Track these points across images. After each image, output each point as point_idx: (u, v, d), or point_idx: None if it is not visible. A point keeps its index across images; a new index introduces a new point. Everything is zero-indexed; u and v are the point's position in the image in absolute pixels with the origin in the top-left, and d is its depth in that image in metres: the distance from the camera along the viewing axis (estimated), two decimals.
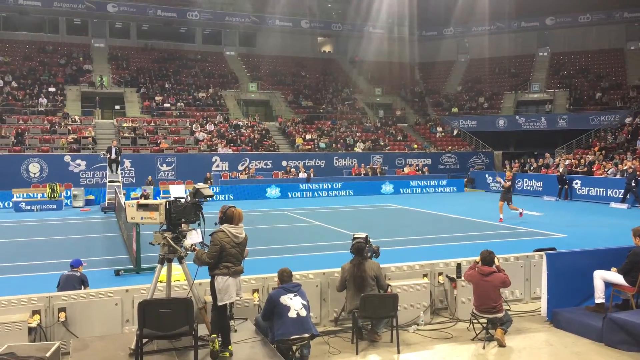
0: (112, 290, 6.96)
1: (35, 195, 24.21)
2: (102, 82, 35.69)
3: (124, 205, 6.90)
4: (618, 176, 25.19)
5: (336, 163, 33.39)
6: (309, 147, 34.03)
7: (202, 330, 6.13)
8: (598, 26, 43.17)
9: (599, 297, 7.60)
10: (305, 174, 30.42)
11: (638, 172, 23.58)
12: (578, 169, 27.88)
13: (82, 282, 8.38)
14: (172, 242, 6.01)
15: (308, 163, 32.13)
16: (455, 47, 48.64)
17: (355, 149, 34.95)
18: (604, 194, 24.70)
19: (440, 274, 8.25)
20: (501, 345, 6.96)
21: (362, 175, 31.79)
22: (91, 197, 25.20)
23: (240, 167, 30.78)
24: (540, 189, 28.05)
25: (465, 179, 32.94)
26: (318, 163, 32.76)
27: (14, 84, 34.43)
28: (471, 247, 12.60)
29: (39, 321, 6.37)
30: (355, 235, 7.58)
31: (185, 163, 29.81)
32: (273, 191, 28.06)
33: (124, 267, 11.74)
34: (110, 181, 23.50)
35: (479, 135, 38.53)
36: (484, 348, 6.95)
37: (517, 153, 38.83)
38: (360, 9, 45.25)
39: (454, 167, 36.03)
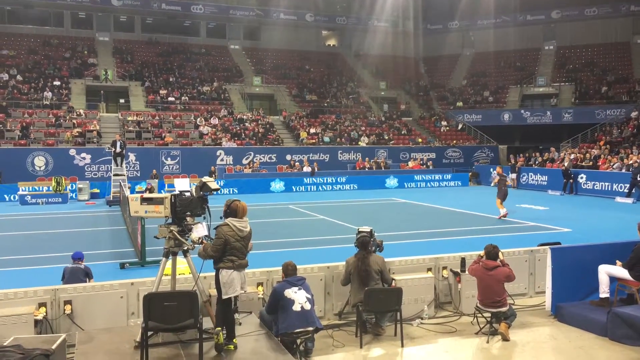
0: (117, 283, 6.99)
1: (40, 189, 24.30)
2: (106, 75, 35.72)
3: (128, 198, 6.92)
4: (623, 170, 25.08)
5: (340, 157, 33.36)
6: (313, 141, 34.01)
7: (207, 323, 6.16)
8: (604, 19, 42.87)
9: (604, 292, 7.60)
10: (310, 168, 30.41)
11: None
12: (583, 163, 27.77)
13: (87, 274, 8.42)
14: (178, 236, 6.03)
15: (312, 157, 32.12)
16: (460, 41, 48.40)
17: (359, 143, 34.90)
18: (609, 189, 24.60)
19: (444, 268, 8.26)
20: (505, 339, 6.97)
21: (367, 169, 31.75)
22: (96, 190, 25.26)
23: (244, 161, 30.79)
24: (545, 183, 27.97)
25: (470, 173, 32.88)
26: (322, 157, 32.74)
27: (19, 77, 34.50)
28: (475, 242, 12.59)
29: (44, 313, 6.41)
30: (359, 229, 7.59)
31: (190, 157, 29.84)
32: (277, 185, 28.08)
33: (129, 261, 11.78)
34: (115, 175, 23.57)
35: (484, 129, 38.41)
36: (488, 342, 6.96)
37: (522, 147, 38.69)
38: (365, 3, 45.14)
39: (458, 161, 35.94)
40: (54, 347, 5.43)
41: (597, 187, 25.27)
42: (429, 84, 46.85)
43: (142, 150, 29.36)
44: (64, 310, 6.54)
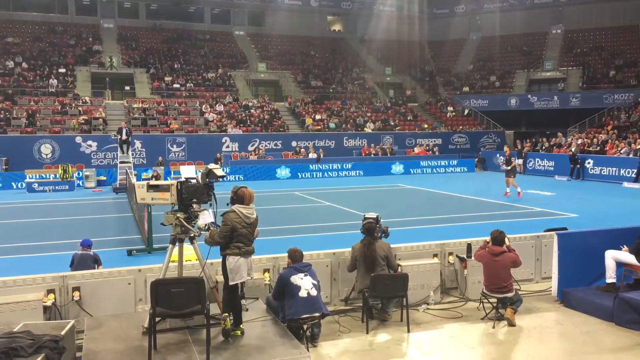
0: (125, 270, 7.04)
1: (47, 176, 24.42)
2: (111, 62, 35.67)
3: (134, 185, 6.95)
4: (631, 155, 24.93)
5: (346, 143, 33.30)
6: (319, 127, 33.93)
7: (214, 309, 6.20)
8: (612, 3, 42.25)
9: (610, 277, 7.58)
10: (315, 154, 30.39)
11: None
12: (590, 149, 27.62)
13: (96, 260, 8.52)
14: (184, 223, 6.05)
15: (318, 143, 32.08)
16: (466, 25, 47.91)
17: (365, 129, 34.80)
18: (617, 174, 24.48)
19: (450, 253, 8.27)
20: (511, 324, 6.98)
21: (372, 155, 31.69)
22: (103, 177, 25.38)
23: (250, 148, 30.79)
24: (552, 168, 27.85)
25: (476, 159, 32.76)
26: (328, 143, 32.69)
27: (24, 65, 34.50)
28: (481, 227, 12.57)
29: (53, 300, 6.47)
30: (366, 216, 7.59)
31: (196, 144, 29.86)
32: (283, 172, 28.10)
33: (136, 247, 11.86)
34: (121, 162, 23.65)
35: (490, 114, 38.17)
36: (494, 327, 6.98)
37: (528, 132, 38.45)
38: None
39: (464, 147, 35.80)
40: (63, 333, 5.49)
41: (604, 172, 25.14)
42: (435, 69, 46.53)
43: (147, 138, 29.40)
44: (73, 296, 6.60)
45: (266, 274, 7.37)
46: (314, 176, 28.58)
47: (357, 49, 46.88)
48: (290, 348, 5.72)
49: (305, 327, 6.32)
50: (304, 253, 6.87)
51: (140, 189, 6.19)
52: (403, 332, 6.87)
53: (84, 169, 25.45)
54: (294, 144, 31.83)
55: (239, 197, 6.07)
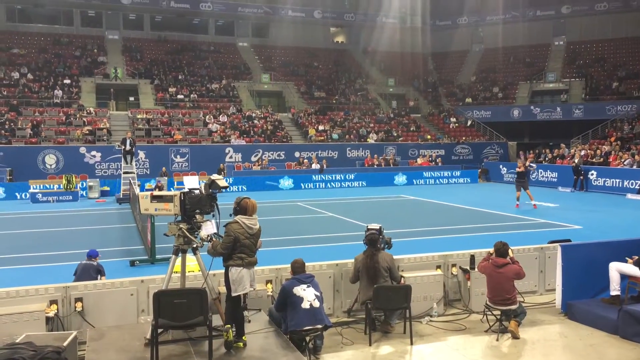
0: (127, 281, 7.03)
1: (51, 187, 24.48)
2: (116, 73, 35.90)
3: (138, 196, 6.97)
4: (635, 167, 24.88)
5: (349, 154, 33.33)
6: (322, 138, 33.99)
7: (217, 320, 6.18)
8: (615, 14, 42.43)
9: (615, 289, 7.54)
10: (318, 165, 30.41)
11: None
12: (594, 160, 27.57)
13: (99, 271, 8.53)
14: (187, 233, 6.05)
15: (321, 154, 32.11)
16: (469, 37, 48.13)
17: (368, 139, 34.84)
18: (620, 185, 24.41)
19: (453, 265, 8.24)
20: (515, 337, 6.94)
21: (375, 166, 31.70)
22: (106, 188, 25.42)
23: (253, 158, 30.84)
24: (556, 179, 27.79)
25: (479, 170, 32.73)
26: (331, 154, 32.73)
27: (29, 76, 34.75)
28: (485, 239, 12.55)
29: (56, 311, 6.46)
30: (369, 227, 7.58)
31: (199, 154, 29.94)
32: (286, 182, 28.11)
33: (139, 258, 11.85)
34: (125, 172, 23.69)
35: (493, 125, 38.20)
36: (497, 340, 6.94)
37: (531, 143, 38.44)
38: None
39: (467, 157, 35.79)
40: (65, 344, 5.48)
41: (607, 183, 25.08)
42: (438, 80, 46.65)
43: (151, 148, 29.49)
44: (75, 307, 6.59)
45: (269, 285, 7.35)
46: (317, 187, 28.58)
47: (360, 60, 47.08)
48: None
49: (307, 338, 6.30)
50: (307, 264, 6.86)
51: (144, 200, 6.20)
52: (406, 344, 6.83)
53: (87, 180, 25.51)
54: (297, 154, 31.88)
55: (241, 208, 6.08)
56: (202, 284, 6.21)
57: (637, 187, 23.36)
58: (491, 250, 7.46)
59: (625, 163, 25.78)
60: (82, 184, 24.97)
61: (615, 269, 7.59)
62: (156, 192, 6.45)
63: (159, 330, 5.65)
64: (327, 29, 48.74)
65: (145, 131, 31.02)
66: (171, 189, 22.78)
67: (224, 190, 6.13)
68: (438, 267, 8.15)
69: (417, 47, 46.99)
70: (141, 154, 28.41)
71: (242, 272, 5.95)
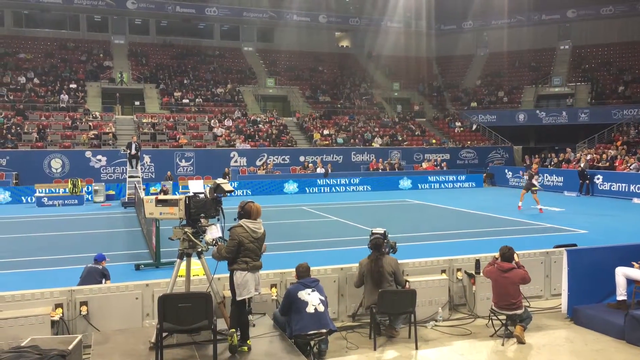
0: (132, 285, 7.04)
1: (57, 191, 24.58)
2: (122, 78, 36.05)
3: (143, 200, 6.99)
4: None
5: (354, 158, 33.32)
6: (327, 142, 34.00)
7: (221, 324, 6.18)
8: (621, 18, 42.34)
9: (621, 294, 7.50)
10: (323, 169, 30.42)
11: None
12: (600, 164, 27.45)
13: (104, 275, 8.54)
14: (192, 237, 6.06)
15: (326, 158, 32.12)
16: (474, 41, 48.11)
17: (373, 144, 34.83)
18: (627, 190, 24.29)
19: (458, 269, 8.21)
20: (521, 342, 6.91)
21: (380, 170, 31.68)
22: (112, 192, 25.50)
23: (258, 163, 30.88)
24: (561, 184, 27.69)
25: (485, 174, 32.65)
26: (336, 158, 32.73)
27: (36, 80, 34.95)
28: (490, 243, 12.49)
29: (61, 314, 6.48)
30: (373, 231, 7.57)
31: (204, 158, 30.00)
32: (291, 186, 28.12)
33: (144, 262, 11.87)
34: (130, 176, 23.76)
35: (499, 129, 38.13)
36: (503, 345, 6.91)
37: (537, 148, 38.35)
38: (378, 3, 45.09)
39: (472, 162, 35.72)
40: (70, 347, 5.49)
41: (614, 188, 24.97)
42: (443, 84, 46.64)
43: (156, 152, 29.58)
44: (80, 311, 6.61)
45: (273, 289, 7.35)
46: (322, 191, 28.57)
47: (365, 65, 47.13)
48: None
49: (312, 343, 6.29)
50: (312, 268, 6.85)
51: (149, 204, 6.22)
52: (411, 349, 6.81)
53: (93, 184, 25.59)
54: (302, 158, 31.90)
55: (246, 212, 6.09)
56: (206, 288, 6.21)
57: None
58: (496, 254, 7.44)
59: (631, 167, 25.66)
60: (88, 188, 25.05)
61: (622, 273, 7.55)
62: (161, 196, 6.47)
63: (164, 334, 5.65)
64: (332, 33, 48.84)
65: (151, 135, 31.12)
66: (176, 193, 22.84)
67: (229, 194, 6.14)
68: (443, 271, 8.13)
69: (422, 52, 47.01)
70: (146, 158, 28.49)
71: (246, 276, 5.95)
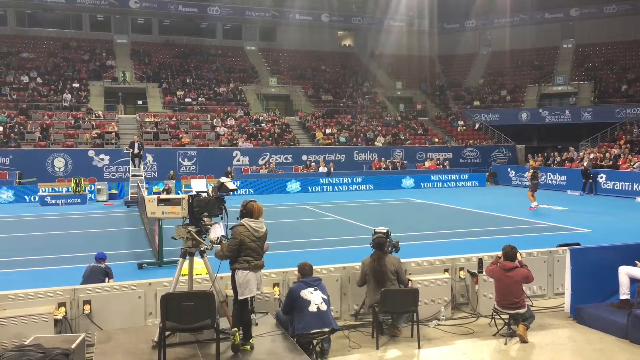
0: (135, 284, 7.06)
1: (60, 190, 24.62)
2: (124, 77, 36.10)
3: (145, 199, 6.99)
4: None
5: (356, 157, 33.31)
6: (329, 141, 34.00)
7: (224, 323, 6.19)
8: (624, 17, 42.20)
9: (624, 293, 7.48)
10: (326, 168, 30.42)
11: None
12: (603, 163, 27.39)
13: (107, 273, 8.56)
14: (196, 236, 6.06)
15: (328, 157, 32.11)
16: (477, 40, 48.04)
17: (375, 143, 34.82)
18: (630, 188, 24.24)
19: (461, 268, 8.21)
20: (523, 341, 6.90)
21: (383, 169, 31.67)
22: (114, 191, 25.54)
23: (260, 162, 30.89)
24: (564, 183, 27.64)
25: (487, 173, 32.61)
26: (338, 157, 32.73)
27: (39, 79, 35.01)
28: (493, 242, 12.48)
29: (64, 313, 6.50)
30: (376, 230, 7.57)
31: (207, 157, 30.02)
32: (293, 185, 28.13)
33: (146, 261, 11.89)
34: (133, 175, 23.79)
35: (501, 128, 38.06)
36: (505, 344, 6.90)
37: (540, 147, 38.27)
38: (380, 2, 45.08)
39: (475, 161, 35.68)
40: (73, 346, 5.50)
41: (617, 187, 24.91)
42: (445, 83, 46.58)
43: (159, 151, 29.61)
44: (83, 310, 6.62)
45: (276, 288, 7.35)
46: (324, 190, 28.57)
47: (368, 64, 47.09)
48: None
49: (314, 342, 6.29)
50: (314, 267, 6.85)
51: (151, 203, 6.22)
52: (413, 348, 6.81)
53: (96, 183, 25.63)
54: (304, 157, 31.90)
55: (248, 211, 6.09)
56: (209, 286, 6.22)
57: None
58: (499, 253, 7.43)
59: (634, 166, 25.60)
60: (91, 187, 25.10)
61: (625, 272, 7.53)
62: (164, 196, 6.48)
63: (167, 333, 5.66)
64: (335, 32, 48.80)
65: (153, 134, 31.16)
66: (179, 192, 22.85)
67: (232, 193, 6.14)
68: (446, 270, 8.13)
69: (425, 50, 46.98)
70: (149, 157, 28.52)
71: (248, 275, 5.96)
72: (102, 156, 28.38)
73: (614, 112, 35.74)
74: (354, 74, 45.00)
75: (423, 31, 47.23)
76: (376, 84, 44.16)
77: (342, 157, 32.89)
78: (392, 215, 19.90)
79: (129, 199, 22.89)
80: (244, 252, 5.96)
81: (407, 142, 35.82)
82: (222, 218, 6.16)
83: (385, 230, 7.52)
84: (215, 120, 33.97)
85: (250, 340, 6.08)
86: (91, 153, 28.31)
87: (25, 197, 24.46)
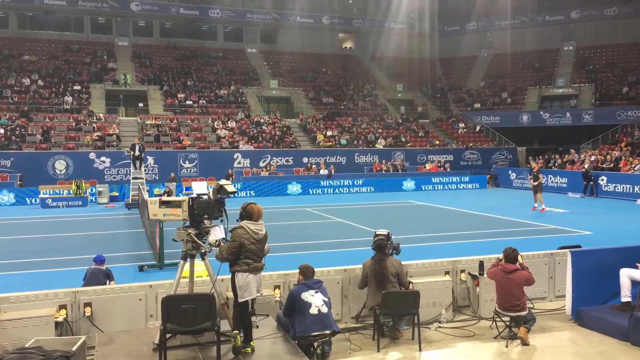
0: (136, 286, 7.05)
1: (61, 192, 24.66)
2: (125, 80, 36.15)
3: (147, 201, 7.01)
4: None
5: (357, 159, 33.31)
6: (330, 143, 34.00)
7: (225, 326, 6.18)
8: (625, 19, 42.21)
9: (625, 296, 7.46)
10: (326, 170, 30.42)
11: None
12: (604, 165, 27.38)
13: (108, 276, 8.57)
14: (195, 239, 6.06)
15: (329, 159, 32.12)
16: (477, 42, 48.08)
17: (376, 145, 34.82)
18: (631, 191, 24.22)
19: (462, 271, 8.19)
20: (524, 343, 6.88)
21: (384, 171, 31.67)
22: (115, 193, 25.57)
23: (261, 164, 30.90)
24: (565, 185, 27.63)
25: (488, 176, 32.60)
26: (339, 159, 32.73)
27: (40, 82, 35.06)
28: (494, 245, 12.47)
29: (65, 316, 6.49)
30: (376, 232, 7.56)
31: (207, 160, 30.03)
32: (294, 188, 28.13)
33: (147, 263, 11.89)
34: (133, 178, 23.81)
35: (502, 131, 38.06)
36: (507, 346, 6.88)
37: (541, 149, 38.25)
38: (381, 5, 45.13)
39: (476, 163, 35.66)
40: (74, 348, 5.49)
41: (618, 189, 24.89)
42: (446, 85, 46.60)
43: (160, 154, 29.62)
44: (84, 312, 6.62)
45: (277, 291, 7.35)
46: (325, 192, 28.58)
47: (369, 66, 47.13)
48: None
49: (315, 344, 6.28)
50: (315, 269, 6.85)
51: (153, 205, 6.22)
52: (414, 350, 6.80)
53: (97, 185, 25.65)
54: (305, 160, 31.90)
55: (247, 213, 6.08)
56: (210, 289, 6.21)
57: None
58: (500, 256, 7.42)
59: (635, 169, 25.59)
60: (92, 190, 25.13)
61: (626, 275, 7.52)
62: (165, 198, 6.48)
63: (167, 335, 5.65)
64: (335, 34, 48.84)
65: (154, 137, 31.19)
66: (180, 194, 22.86)
67: (232, 195, 6.14)
68: (447, 272, 8.12)
69: (426, 53, 47.01)
70: (150, 160, 28.54)
71: (248, 277, 5.95)
72: (103, 158, 28.40)
73: (614, 115, 35.73)
74: (355, 77, 45.04)
75: (424, 34, 47.28)
76: (377, 87, 44.19)
77: (343, 159, 32.89)
78: (393, 217, 19.89)
79: (130, 202, 22.91)
80: (243, 254, 5.95)
81: (408, 144, 35.83)
82: (222, 221, 6.16)
83: (386, 233, 7.51)
84: (216, 122, 34.00)
85: (251, 343, 6.07)
86: (92, 155, 28.33)
87: (27, 199, 24.47)
